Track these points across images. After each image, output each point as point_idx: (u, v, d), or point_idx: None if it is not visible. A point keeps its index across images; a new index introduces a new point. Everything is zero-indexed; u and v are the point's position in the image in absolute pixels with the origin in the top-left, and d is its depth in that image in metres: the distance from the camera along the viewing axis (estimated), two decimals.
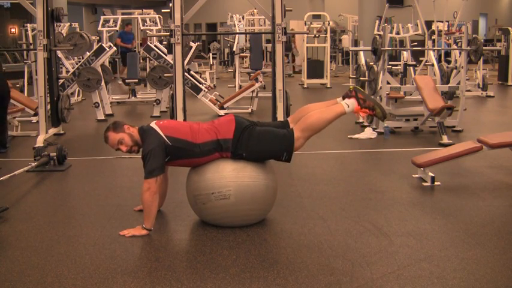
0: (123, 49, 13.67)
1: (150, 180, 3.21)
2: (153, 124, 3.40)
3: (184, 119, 5.87)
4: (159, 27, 12.48)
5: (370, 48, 7.06)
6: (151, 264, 2.90)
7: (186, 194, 3.49)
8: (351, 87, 3.47)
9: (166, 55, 8.64)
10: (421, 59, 11.13)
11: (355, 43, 14.75)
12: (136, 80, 9.93)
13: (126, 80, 10.02)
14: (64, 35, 9.49)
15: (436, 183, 4.31)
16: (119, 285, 2.64)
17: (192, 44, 8.97)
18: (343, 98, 3.47)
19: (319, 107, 3.49)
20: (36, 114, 7.16)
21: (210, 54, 14.35)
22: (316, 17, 14.27)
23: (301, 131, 3.32)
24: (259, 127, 3.39)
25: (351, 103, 3.37)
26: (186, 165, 3.46)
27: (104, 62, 8.86)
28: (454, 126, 6.79)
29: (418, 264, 2.83)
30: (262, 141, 3.31)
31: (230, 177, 3.27)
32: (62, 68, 9.44)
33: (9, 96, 6.05)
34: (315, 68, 13.01)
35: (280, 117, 6.04)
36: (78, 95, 10.28)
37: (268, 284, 2.64)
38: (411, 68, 9.27)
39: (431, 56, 9.02)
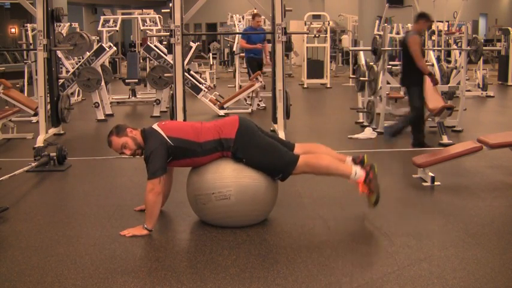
0: (249, 54, 9.12)
1: (153, 181, 3.22)
2: (155, 126, 3.41)
3: (184, 119, 5.87)
4: (159, 27, 12.48)
5: (370, 48, 7.06)
6: (152, 264, 2.90)
7: (187, 194, 3.49)
8: (368, 162, 3.48)
9: (166, 55, 8.64)
10: None
11: (355, 43, 14.74)
12: (137, 80, 9.93)
13: (126, 80, 10.02)
14: (64, 35, 9.50)
15: (436, 183, 4.30)
16: (119, 285, 2.64)
17: (192, 44, 8.97)
18: (354, 161, 3.52)
19: (330, 154, 3.56)
20: (36, 114, 7.16)
21: (210, 54, 14.34)
22: (316, 17, 14.26)
23: (306, 165, 3.33)
24: (266, 137, 3.40)
25: (359, 174, 3.39)
26: (188, 165, 3.46)
27: (104, 62, 8.86)
28: (454, 126, 6.78)
29: (418, 264, 2.83)
30: (264, 153, 3.31)
31: (231, 177, 3.27)
32: (62, 68, 9.43)
33: None
34: (315, 68, 13.01)
35: (280, 117, 6.05)
36: (78, 95, 10.28)
37: (268, 284, 2.63)
38: None
39: (431, 56, 9.01)
